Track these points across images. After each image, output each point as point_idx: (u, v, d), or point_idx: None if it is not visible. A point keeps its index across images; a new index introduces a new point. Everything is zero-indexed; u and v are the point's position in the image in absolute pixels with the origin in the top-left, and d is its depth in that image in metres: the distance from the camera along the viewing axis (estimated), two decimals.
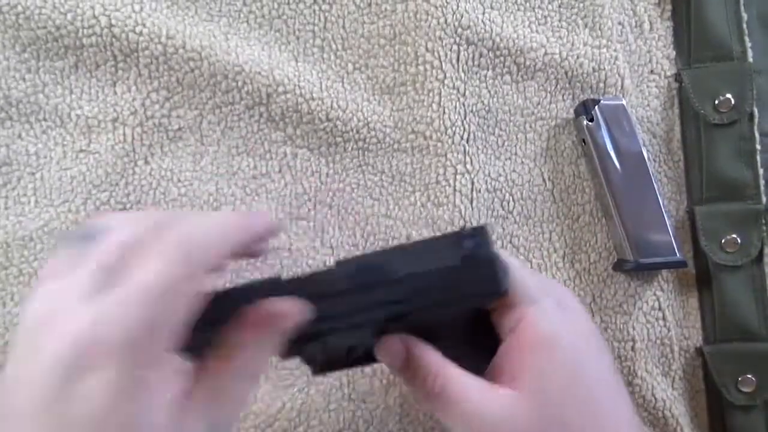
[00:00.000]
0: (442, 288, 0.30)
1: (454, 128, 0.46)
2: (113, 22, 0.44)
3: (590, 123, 0.45)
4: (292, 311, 0.29)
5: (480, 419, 0.31)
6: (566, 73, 0.47)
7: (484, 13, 0.47)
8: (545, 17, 0.48)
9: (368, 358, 0.33)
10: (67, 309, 0.24)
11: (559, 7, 0.48)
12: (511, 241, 0.46)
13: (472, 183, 0.46)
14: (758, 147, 0.46)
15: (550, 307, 0.33)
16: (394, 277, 0.30)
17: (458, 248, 0.30)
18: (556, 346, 0.32)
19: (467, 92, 0.46)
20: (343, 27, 0.47)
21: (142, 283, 0.24)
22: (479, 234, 0.30)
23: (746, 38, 0.47)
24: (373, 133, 0.46)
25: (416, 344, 0.33)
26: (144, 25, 0.44)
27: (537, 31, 0.47)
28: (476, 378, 0.32)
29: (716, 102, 0.46)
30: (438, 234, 0.32)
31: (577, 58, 0.47)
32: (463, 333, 0.34)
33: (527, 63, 0.47)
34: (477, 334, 0.35)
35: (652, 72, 0.48)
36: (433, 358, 0.32)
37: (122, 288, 0.24)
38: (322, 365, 0.33)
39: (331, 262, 0.44)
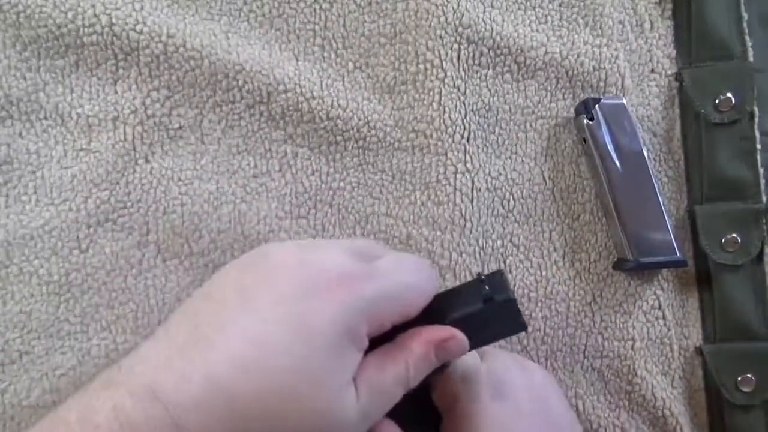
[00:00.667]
0: (470, 330, 0.33)
1: (454, 127, 0.46)
2: (114, 20, 0.44)
3: (591, 122, 0.45)
4: (461, 345, 0.33)
5: None
6: (567, 72, 0.47)
7: (484, 12, 0.47)
8: (546, 16, 0.48)
9: None
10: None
11: (560, 6, 0.48)
12: (511, 240, 0.46)
13: (473, 182, 0.46)
14: (759, 146, 0.46)
15: (477, 390, 0.35)
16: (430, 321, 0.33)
17: (479, 293, 0.34)
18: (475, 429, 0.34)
19: (468, 91, 0.46)
20: (344, 26, 0.47)
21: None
22: (496, 279, 0.35)
23: (747, 37, 0.47)
24: (373, 131, 0.46)
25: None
26: (145, 24, 0.44)
27: (537, 30, 0.47)
28: None
29: (717, 101, 0.46)
30: (459, 284, 0.37)
31: (578, 57, 0.47)
32: (411, 406, 0.35)
33: (528, 62, 0.47)
34: (424, 407, 0.38)
35: (652, 71, 0.48)
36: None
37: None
38: None
39: None
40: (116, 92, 0.45)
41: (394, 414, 0.34)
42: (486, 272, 0.36)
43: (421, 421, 0.38)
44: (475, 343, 0.34)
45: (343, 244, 0.33)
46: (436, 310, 0.34)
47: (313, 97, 0.45)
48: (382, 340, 0.32)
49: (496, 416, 0.35)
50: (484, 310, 0.34)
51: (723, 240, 0.45)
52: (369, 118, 0.46)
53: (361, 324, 0.29)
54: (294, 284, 0.28)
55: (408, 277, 0.32)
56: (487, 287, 0.34)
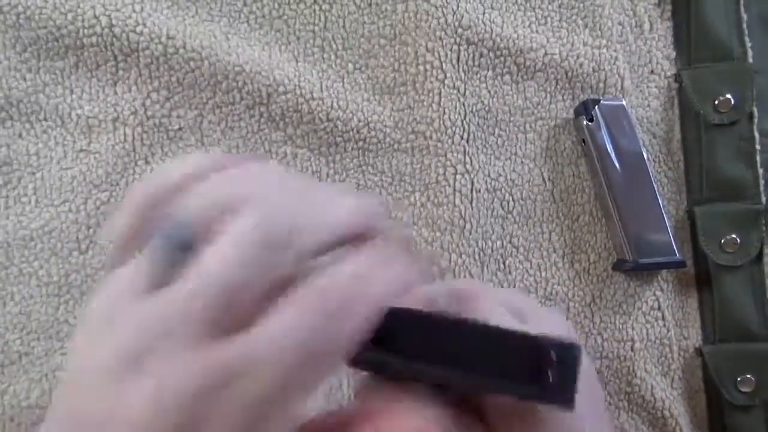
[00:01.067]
0: (503, 391, 0.26)
1: (454, 128, 0.46)
2: (114, 22, 0.44)
3: (590, 123, 0.45)
4: None
5: None
6: (566, 73, 0.47)
7: (484, 14, 0.47)
8: (545, 17, 0.48)
9: None
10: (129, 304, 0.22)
11: (559, 7, 0.48)
12: (510, 241, 0.46)
13: (472, 183, 0.46)
14: (758, 147, 0.46)
15: None
16: (457, 360, 0.25)
17: (541, 373, 0.25)
18: None
19: (467, 92, 0.46)
20: (344, 27, 0.47)
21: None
22: (567, 363, 0.25)
23: (746, 38, 0.47)
24: (373, 133, 0.46)
25: None
26: (144, 25, 0.44)
27: (537, 32, 0.47)
28: None
29: (716, 102, 0.46)
30: (516, 330, 0.26)
31: (577, 58, 0.47)
32: None
33: (527, 63, 0.47)
34: None
35: (652, 72, 0.48)
36: None
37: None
38: None
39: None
40: (116, 93, 0.45)
41: None
42: (553, 340, 0.25)
43: None
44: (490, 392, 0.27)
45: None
46: (488, 355, 0.25)
47: (313, 99, 0.45)
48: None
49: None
50: (534, 392, 0.25)
51: (722, 241, 0.45)
52: (369, 119, 0.46)
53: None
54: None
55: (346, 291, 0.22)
56: (552, 374, 0.24)
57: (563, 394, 0.24)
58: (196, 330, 0.20)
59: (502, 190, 0.47)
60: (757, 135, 0.46)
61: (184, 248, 0.22)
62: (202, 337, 0.20)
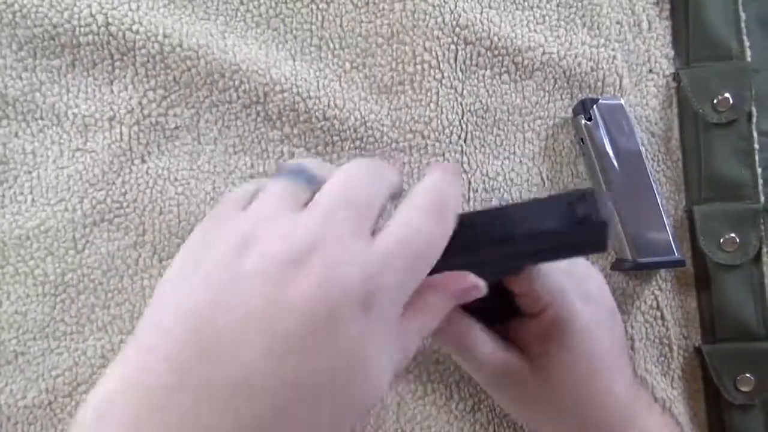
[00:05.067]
0: (554, 248, 0.32)
1: (451, 128, 0.46)
2: (110, 20, 0.44)
3: (588, 122, 0.45)
4: (479, 291, 0.32)
5: (488, 367, 0.37)
6: (564, 72, 0.47)
7: (482, 13, 0.46)
8: (543, 16, 0.48)
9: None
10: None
11: (557, 6, 0.48)
12: None
13: (469, 183, 0.46)
14: (756, 146, 0.45)
15: (569, 301, 0.37)
16: (512, 235, 0.32)
17: (573, 212, 0.31)
18: (568, 335, 0.37)
19: (465, 92, 0.46)
20: (341, 26, 0.46)
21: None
22: (591, 199, 0.31)
23: (745, 38, 0.47)
24: (370, 132, 0.46)
25: None
26: (141, 24, 0.44)
27: (535, 31, 0.47)
28: (492, 334, 0.38)
29: (715, 101, 0.46)
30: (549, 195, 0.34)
31: (576, 57, 0.47)
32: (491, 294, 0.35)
33: (525, 62, 0.47)
34: (497, 300, 0.37)
35: (650, 71, 0.48)
36: (457, 316, 0.37)
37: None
38: None
39: None
40: (112, 92, 0.45)
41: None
42: (574, 190, 0.32)
43: (495, 320, 0.38)
44: (545, 258, 0.33)
45: (336, 224, 0.27)
46: (528, 218, 0.31)
47: (310, 97, 0.45)
48: None
49: (588, 318, 0.37)
50: (575, 231, 0.31)
51: (721, 240, 0.45)
52: (366, 118, 0.46)
53: (395, 316, 0.28)
54: (312, 321, 0.25)
55: (419, 248, 0.28)
56: (580, 208, 0.31)
57: (596, 226, 0.31)
58: (346, 231, 0.27)
59: (501, 189, 0.46)
60: (755, 134, 0.46)
61: (309, 182, 0.31)
62: (349, 238, 0.26)
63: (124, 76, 0.45)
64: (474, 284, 0.31)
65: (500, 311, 0.39)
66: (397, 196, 0.33)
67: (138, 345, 0.26)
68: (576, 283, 0.39)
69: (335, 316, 0.25)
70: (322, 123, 0.45)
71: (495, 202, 0.43)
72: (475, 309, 0.36)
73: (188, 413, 0.24)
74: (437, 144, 0.46)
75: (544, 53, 0.47)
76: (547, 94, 0.47)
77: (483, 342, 0.37)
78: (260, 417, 0.24)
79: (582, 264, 0.42)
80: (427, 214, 0.29)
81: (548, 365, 0.37)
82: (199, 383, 0.24)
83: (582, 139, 0.46)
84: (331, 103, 0.45)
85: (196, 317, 0.25)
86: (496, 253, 0.32)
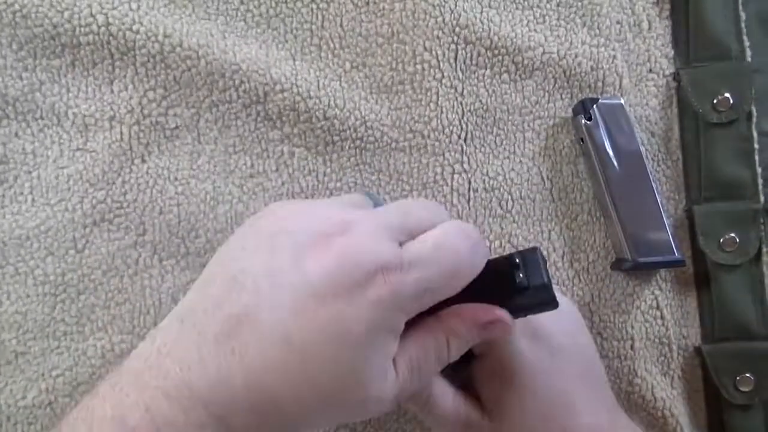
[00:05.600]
0: (509, 308, 0.33)
1: (451, 128, 0.46)
2: (110, 20, 0.44)
3: (588, 122, 0.45)
4: (507, 328, 0.32)
5: (449, 419, 0.36)
6: (564, 72, 0.47)
7: (482, 12, 0.46)
8: (543, 16, 0.48)
9: None
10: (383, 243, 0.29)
11: (558, 5, 0.48)
12: (509, 241, 0.46)
13: (469, 182, 0.46)
14: (756, 146, 0.45)
15: (512, 340, 0.36)
16: (471, 293, 0.32)
17: (513, 279, 0.33)
18: (514, 374, 0.36)
19: (465, 91, 0.46)
20: (341, 25, 0.46)
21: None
22: (529, 262, 0.33)
23: (745, 37, 0.47)
24: (370, 131, 0.46)
25: None
26: (141, 24, 0.44)
27: (535, 30, 0.47)
28: (452, 388, 0.37)
29: (715, 101, 0.46)
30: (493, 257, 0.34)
31: (576, 57, 0.47)
32: None
33: (525, 62, 0.47)
34: None
35: (650, 71, 0.48)
36: None
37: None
38: None
39: None
40: (112, 92, 0.45)
41: None
42: (519, 251, 0.34)
43: (455, 364, 0.38)
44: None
45: (378, 217, 0.30)
46: (470, 292, 0.32)
47: (310, 97, 0.45)
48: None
49: (533, 355, 0.36)
50: (519, 296, 0.32)
51: (721, 240, 0.45)
52: (366, 118, 0.46)
53: (401, 318, 0.29)
54: (329, 282, 0.27)
55: (453, 261, 0.30)
56: (521, 275, 0.32)
57: (535, 287, 0.32)
58: (381, 230, 0.29)
59: (501, 189, 0.46)
60: (755, 134, 0.46)
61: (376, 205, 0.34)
62: (381, 235, 0.29)
63: (125, 76, 0.45)
64: (502, 317, 0.32)
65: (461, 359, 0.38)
66: None
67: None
68: (524, 321, 0.36)
69: (339, 291, 0.27)
70: (323, 123, 0.45)
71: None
72: None
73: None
74: (437, 143, 0.46)
75: (544, 53, 0.47)
76: (547, 93, 0.47)
77: (444, 396, 0.36)
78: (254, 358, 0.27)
79: None
80: (463, 236, 0.30)
81: (502, 409, 0.36)
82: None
83: (582, 139, 0.46)
84: (332, 102, 0.45)
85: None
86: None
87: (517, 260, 0.33)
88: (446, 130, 0.46)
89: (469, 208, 0.45)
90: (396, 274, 0.28)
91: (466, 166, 0.46)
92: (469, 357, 0.38)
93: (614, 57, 0.47)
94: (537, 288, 0.32)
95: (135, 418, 0.26)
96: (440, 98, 0.46)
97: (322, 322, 0.26)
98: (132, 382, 0.28)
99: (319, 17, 0.46)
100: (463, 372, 0.39)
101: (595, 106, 0.45)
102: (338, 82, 0.46)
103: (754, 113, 0.46)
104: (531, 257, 0.33)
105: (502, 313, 0.32)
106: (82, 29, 0.44)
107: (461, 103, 0.46)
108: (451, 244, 0.30)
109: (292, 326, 0.26)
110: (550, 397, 0.36)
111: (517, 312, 0.33)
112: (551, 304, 0.33)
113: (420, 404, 0.36)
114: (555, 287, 0.36)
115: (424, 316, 0.31)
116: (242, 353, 0.27)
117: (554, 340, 0.38)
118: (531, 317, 0.36)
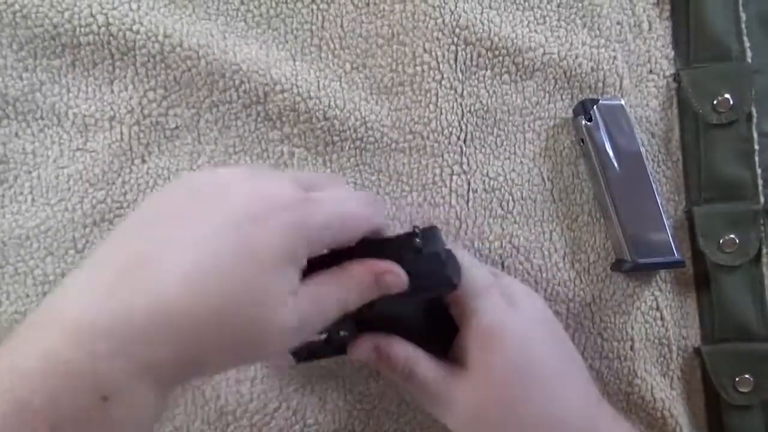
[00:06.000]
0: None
1: (450, 129, 0.46)
2: (110, 20, 0.44)
3: (589, 123, 0.45)
4: (400, 280, 0.34)
5: (441, 398, 0.37)
6: (565, 72, 0.47)
7: (482, 13, 0.46)
8: (544, 17, 0.48)
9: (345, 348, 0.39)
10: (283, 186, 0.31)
11: (558, 6, 0.48)
12: (510, 241, 0.46)
13: (468, 183, 0.46)
14: (756, 147, 0.45)
15: (494, 302, 0.38)
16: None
17: (411, 246, 0.35)
18: (497, 337, 0.36)
19: (465, 92, 0.46)
20: (341, 26, 0.47)
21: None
22: (428, 234, 0.35)
23: (745, 38, 0.47)
24: (370, 132, 0.46)
25: (384, 340, 0.38)
26: (141, 24, 0.44)
27: (535, 31, 0.47)
28: (438, 362, 0.38)
29: (715, 102, 0.46)
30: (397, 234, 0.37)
31: (576, 57, 0.47)
32: (427, 322, 0.40)
33: (526, 63, 0.47)
34: (439, 323, 0.40)
35: (650, 72, 0.48)
36: (400, 349, 0.38)
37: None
38: (302, 353, 0.40)
39: None
40: (113, 92, 0.45)
41: (413, 330, 0.39)
42: (421, 226, 0.36)
43: (439, 335, 0.40)
44: (410, 292, 0.35)
45: (290, 175, 0.34)
46: (371, 253, 0.34)
47: (310, 98, 0.45)
48: (322, 264, 0.33)
49: (514, 323, 0.37)
50: (413, 260, 0.34)
51: (721, 241, 0.45)
52: (366, 118, 0.46)
53: (303, 248, 0.30)
54: (243, 209, 0.29)
55: (349, 207, 0.33)
56: (418, 240, 0.35)
57: (429, 253, 0.35)
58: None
59: (502, 189, 0.46)
60: (755, 135, 0.46)
61: None
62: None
63: (125, 76, 0.45)
64: (396, 270, 0.34)
65: (443, 335, 0.40)
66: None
67: None
68: (504, 290, 0.39)
69: (252, 218, 0.29)
70: (323, 123, 0.45)
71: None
72: (418, 337, 0.39)
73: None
74: (436, 145, 0.46)
75: (544, 53, 0.47)
76: (547, 94, 0.47)
77: (426, 367, 0.37)
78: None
79: (509, 278, 0.42)
80: (364, 194, 0.36)
81: (490, 376, 0.36)
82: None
83: (582, 140, 0.46)
84: (332, 103, 0.45)
85: None
86: None
87: (417, 231, 0.35)
88: (446, 131, 0.46)
89: (468, 209, 0.45)
90: (302, 208, 0.30)
91: (465, 167, 0.46)
92: (449, 330, 0.39)
93: (615, 58, 0.47)
94: (431, 255, 0.35)
95: (29, 362, 0.24)
96: (440, 99, 0.46)
97: (232, 240, 0.28)
98: (29, 322, 0.27)
99: (320, 18, 0.46)
100: (444, 345, 0.40)
101: (595, 107, 0.45)
102: (338, 83, 0.46)
103: (754, 114, 0.46)
104: (432, 232, 0.36)
105: (397, 267, 0.34)
106: (83, 29, 0.44)
107: (461, 105, 0.46)
108: (352, 194, 0.36)
109: (203, 247, 0.28)
110: (538, 362, 0.37)
111: (416, 289, 0.34)
112: (446, 279, 0.35)
113: (404, 374, 0.38)
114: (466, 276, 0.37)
115: (324, 266, 0.33)
116: (152, 279, 0.26)
117: (534, 312, 0.39)
118: (510, 286, 0.39)
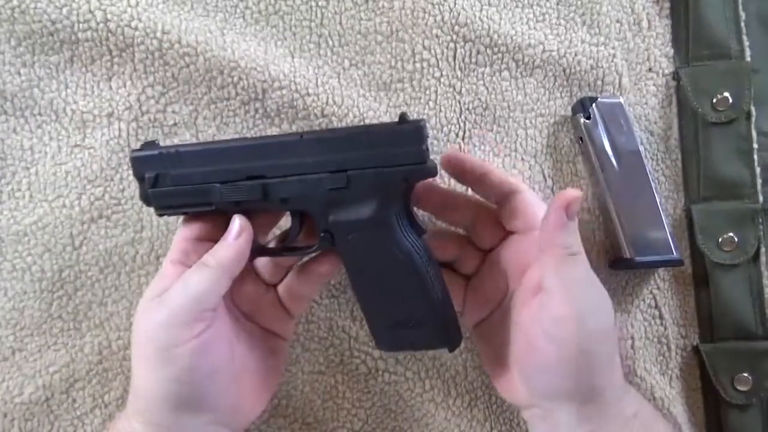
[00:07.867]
0: (377, 154, 0.36)
1: (449, 126, 0.46)
2: (109, 16, 0.44)
3: (587, 121, 0.45)
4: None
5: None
6: (564, 70, 0.47)
7: (481, 10, 0.46)
8: (543, 14, 0.48)
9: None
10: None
11: (558, 4, 0.48)
12: None
13: None
14: (755, 146, 0.45)
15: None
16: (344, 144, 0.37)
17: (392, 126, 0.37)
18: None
19: (463, 90, 0.46)
20: (340, 23, 0.46)
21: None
22: (413, 120, 0.37)
23: (744, 37, 0.46)
24: None
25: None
26: (140, 20, 0.44)
27: (535, 28, 0.47)
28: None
29: (714, 100, 0.45)
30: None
31: (575, 55, 0.47)
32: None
33: (525, 60, 0.47)
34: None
35: (650, 70, 0.48)
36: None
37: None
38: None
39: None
40: (111, 88, 0.45)
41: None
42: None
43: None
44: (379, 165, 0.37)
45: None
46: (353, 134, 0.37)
47: (309, 94, 0.45)
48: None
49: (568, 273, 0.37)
50: (393, 139, 0.36)
51: (720, 239, 0.45)
52: (364, 115, 0.45)
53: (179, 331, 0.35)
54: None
55: (194, 285, 0.36)
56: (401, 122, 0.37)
57: (413, 124, 0.36)
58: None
59: None
60: (754, 133, 0.45)
61: None
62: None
63: (123, 73, 0.45)
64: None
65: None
66: None
67: None
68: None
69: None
70: (321, 120, 0.45)
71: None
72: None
73: None
74: (435, 142, 0.46)
75: (544, 51, 0.47)
76: (547, 91, 0.47)
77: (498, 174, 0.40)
78: None
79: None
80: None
81: (552, 282, 0.36)
82: None
83: (581, 138, 0.45)
84: (330, 100, 0.45)
85: None
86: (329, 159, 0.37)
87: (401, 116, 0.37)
88: (444, 129, 0.46)
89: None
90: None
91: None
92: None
93: (614, 56, 0.47)
94: (415, 122, 0.36)
95: None
96: (439, 96, 0.46)
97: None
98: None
99: (318, 15, 0.46)
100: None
101: (594, 104, 0.45)
102: (337, 80, 0.46)
103: (753, 113, 0.45)
104: (415, 120, 0.37)
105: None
106: (81, 25, 0.44)
107: (459, 102, 0.46)
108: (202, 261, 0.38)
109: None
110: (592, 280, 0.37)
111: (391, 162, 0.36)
112: (421, 154, 0.36)
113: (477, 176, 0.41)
114: None
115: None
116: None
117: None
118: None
